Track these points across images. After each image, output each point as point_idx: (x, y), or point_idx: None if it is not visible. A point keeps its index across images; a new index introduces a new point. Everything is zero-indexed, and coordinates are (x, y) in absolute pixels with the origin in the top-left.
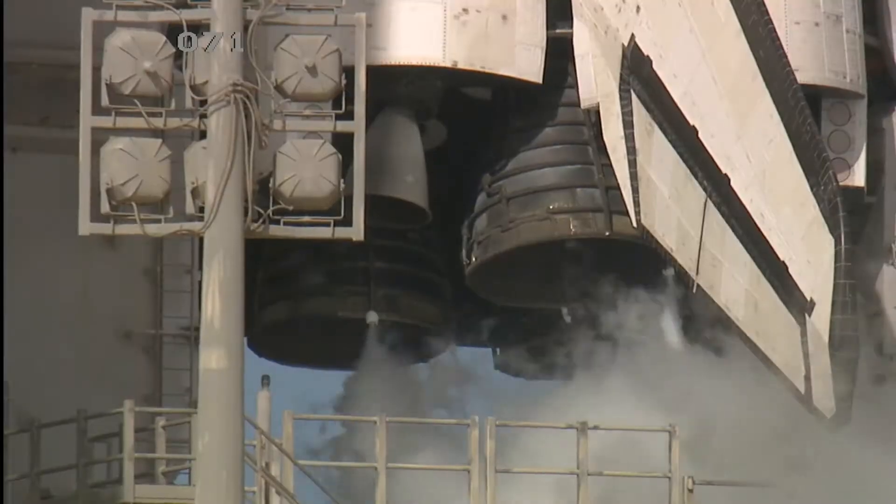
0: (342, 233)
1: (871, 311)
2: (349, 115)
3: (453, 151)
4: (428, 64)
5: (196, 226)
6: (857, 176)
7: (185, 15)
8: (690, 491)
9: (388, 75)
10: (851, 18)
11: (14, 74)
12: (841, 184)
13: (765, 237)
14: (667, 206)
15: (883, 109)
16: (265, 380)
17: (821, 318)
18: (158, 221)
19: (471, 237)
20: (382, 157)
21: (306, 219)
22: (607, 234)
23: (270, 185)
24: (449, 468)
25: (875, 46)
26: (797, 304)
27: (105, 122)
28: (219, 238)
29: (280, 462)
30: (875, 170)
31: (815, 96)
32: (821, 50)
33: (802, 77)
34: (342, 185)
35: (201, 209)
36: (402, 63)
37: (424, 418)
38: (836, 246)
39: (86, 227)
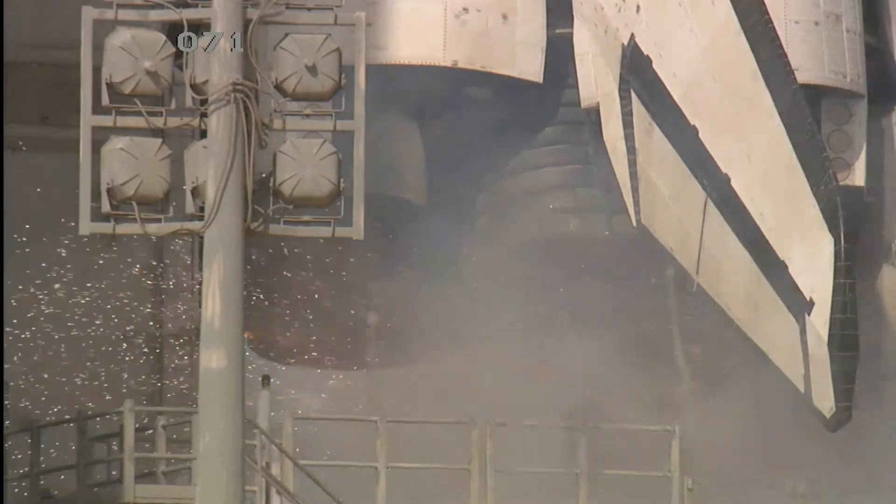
0: (342, 232)
1: (871, 311)
2: (349, 115)
3: (453, 151)
4: (428, 63)
5: (196, 225)
6: (857, 175)
7: (186, 14)
8: (690, 490)
9: (389, 74)
10: (851, 18)
11: (14, 74)
12: (841, 183)
13: (765, 236)
14: (667, 206)
15: (883, 109)
16: (265, 380)
17: (820, 318)
18: (159, 221)
19: (471, 237)
20: (383, 157)
21: (306, 218)
22: (607, 233)
23: (270, 184)
24: (449, 468)
25: (875, 46)
26: (797, 303)
27: (105, 121)
28: (219, 237)
29: (280, 462)
30: (875, 170)
31: (814, 96)
32: (821, 49)
33: (802, 76)
34: (342, 185)
35: (201, 208)
36: (402, 62)
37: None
38: (835, 245)
39: (86, 226)
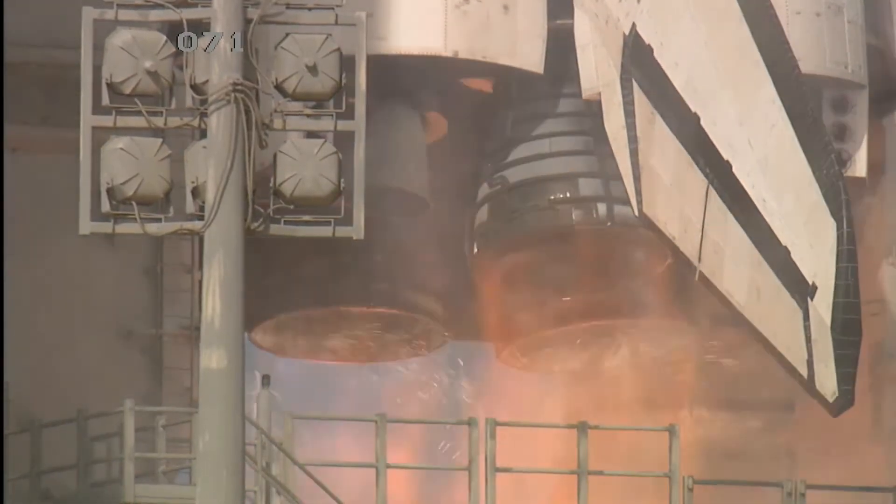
0: (343, 231)
1: (872, 311)
2: (350, 113)
3: (454, 142)
4: (429, 54)
5: (196, 225)
6: (859, 166)
7: (186, 14)
8: (690, 490)
9: (389, 65)
10: (853, 9)
11: (14, 74)
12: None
13: (767, 223)
14: (669, 194)
15: (883, 109)
16: (265, 379)
17: (823, 303)
18: (159, 220)
19: (473, 228)
20: (384, 148)
21: (307, 218)
22: (609, 223)
23: (271, 184)
24: (449, 468)
25: (876, 46)
26: (799, 288)
27: (105, 121)
28: (219, 237)
29: (280, 462)
30: (875, 169)
31: (816, 86)
32: (822, 40)
33: (803, 67)
34: (342, 184)
35: (201, 208)
36: (403, 53)
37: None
38: (838, 229)
39: (86, 226)
